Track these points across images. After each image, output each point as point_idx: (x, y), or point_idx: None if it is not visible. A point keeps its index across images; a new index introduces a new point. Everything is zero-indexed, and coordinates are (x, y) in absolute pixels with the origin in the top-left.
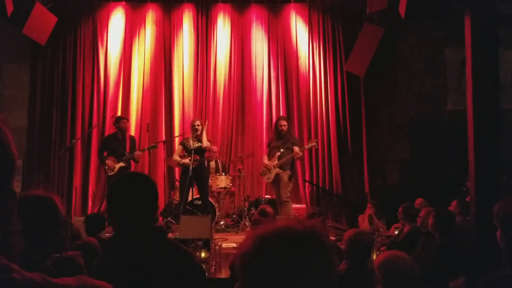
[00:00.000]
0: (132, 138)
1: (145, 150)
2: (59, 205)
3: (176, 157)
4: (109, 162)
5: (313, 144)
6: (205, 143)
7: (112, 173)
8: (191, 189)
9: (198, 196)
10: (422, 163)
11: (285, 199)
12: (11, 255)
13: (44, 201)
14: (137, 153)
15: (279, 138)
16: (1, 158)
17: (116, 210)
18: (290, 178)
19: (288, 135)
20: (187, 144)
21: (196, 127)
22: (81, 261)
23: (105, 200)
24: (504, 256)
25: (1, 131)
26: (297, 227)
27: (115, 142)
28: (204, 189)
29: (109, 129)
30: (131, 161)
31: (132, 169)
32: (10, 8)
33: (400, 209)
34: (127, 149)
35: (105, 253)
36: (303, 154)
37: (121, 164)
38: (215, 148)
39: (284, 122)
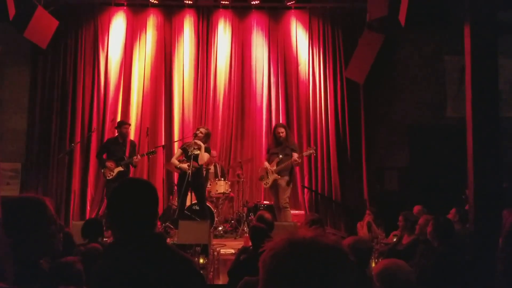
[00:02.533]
0: (132, 143)
1: (144, 155)
2: (48, 204)
3: (174, 160)
4: (109, 164)
5: (311, 151)
6: (201, 160)
7: (110, 177)
8: (189, 194)
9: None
10: (421, 169)
11: (283, 205)
12: None
13: (32, 201)
14: (135, 158)
15: (278, 144)
16: None
17: (117, 216)
18: (288, 184)
19: (286, 141)
20: (188, 149)
21: (197, 132)
22: (80, 267)
23: (103, 204)
24: (500, 263)
25: None
26: (324, 239)
27: (116, 146)
28: (201, 195)
29: (108, 133)
30: (130, 165)
31: (131, 173)
32: (12, 11)
33: (400, 218)
34: (127, 154)
35: (105, 258)
36: (302, 160)
37: (120, 168)
38: (214, 152)
39: (281, 129)
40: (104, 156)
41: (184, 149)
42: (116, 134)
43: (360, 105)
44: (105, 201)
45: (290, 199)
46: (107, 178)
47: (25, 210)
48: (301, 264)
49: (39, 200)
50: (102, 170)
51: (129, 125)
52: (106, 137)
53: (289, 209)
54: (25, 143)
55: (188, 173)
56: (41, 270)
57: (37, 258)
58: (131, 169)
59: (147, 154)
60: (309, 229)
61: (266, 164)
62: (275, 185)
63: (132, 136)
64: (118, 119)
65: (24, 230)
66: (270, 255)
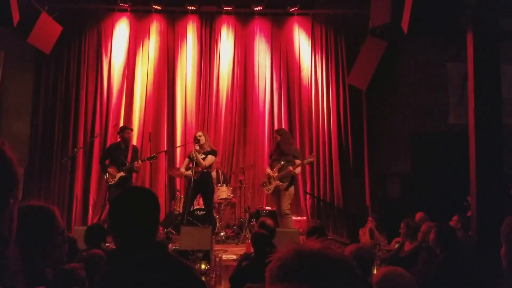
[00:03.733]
0: (134, 148)
1: (145, 160)
2: (57, 214)
3: (182, 169)
4: (110, 170)
5: (311, 159)
6: (202, 164)
7: (112, 182)
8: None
9: (199, 206)
10: (423, 176)
11: (285, 212)
12: (6, 275)
13: (42, 210)
14: (136, 163)
15: (277, 150)
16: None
17: (118, 224)
18: (290, 191)
19: (285, 147)
20: (192, 156)
21: (198, 137)
22: (83, 274)
23: (105, 209)
24: (506, 273)
25: (3, 154)
26: (332, 252)
27: (118, 151)
28: (208, 200)
29: (111, 139)
30: (132, 171)
31: (134, 178)
32: (16, 17)
33: (402, 225)
34: (129, 159)
35: (108, 266)
36: (304, 168)
37: (122, 173)
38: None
39: (275, 134)
40: (107, 161)
41: (190, 157)
42: (119, 139)
43: (363, 111)
44: (107, 206)
45: (292, 205)
46: (109, 183)
47: (34, 218)
48: (308, 276)
49: (49, 209)
50: (105, 176)
51: (131, 130)
52: (108, 142)
53: (290, 215)
54: (28, 148)
55: (191, 179)
56: (45, 278)
57: (41, 268)
58: (134, 174)
59: (148, 159)
60: (316, 241)
61: (268, 170)
62: (277, 192)
63: (134, 141)
64: (121, 124)
65: (31, 239)
66: (277, 266)
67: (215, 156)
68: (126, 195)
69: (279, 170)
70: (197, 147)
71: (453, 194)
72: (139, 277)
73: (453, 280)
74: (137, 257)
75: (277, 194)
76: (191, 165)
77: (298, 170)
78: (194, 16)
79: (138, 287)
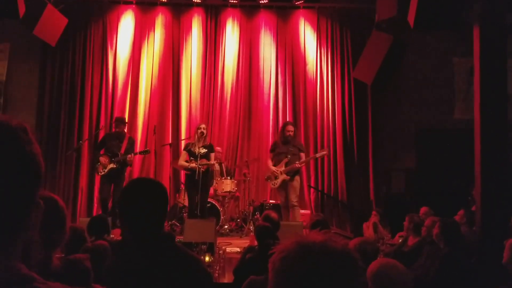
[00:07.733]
0: (130, 139)
1: (136, 154)
2: (62, 206)
3: (182, 162)
4: (102, 159)
5: (324, 152)
6: (212, 160)
7: (102, 173)
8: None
9: None
10: (428, 171)
11: (294, 203)
12: (30, 265)
13: (48, 201)
14: (130, 156)
15: (285, 143)
16: (28, 169)
17: (127, 214)
18: (297, 182)
19: (293, 141)
20: (193, 149)
21: (203, 130)
22: (88, 265)
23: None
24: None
25: (32, 143)
26: (335, 244)
27: (113, 141)
28: (207, 194)
29: None
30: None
31: (138, 171)
32: (22, 9)
33: (406, 219)
34: (122, 151)
35: (115, 257)
36: (308, 162)
37: (112, 165)
38: (219, 148)
39: (291, 128)
40: (102, 151)
41: (189, 150)
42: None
43: (368, 105)
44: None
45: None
46: (99, 174)
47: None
48: (311, 268)
49: (57, 205)
50: (96, 165)
51: (123, 124)
52: None
53: (299, 208)
54: None
55: (198, 172)
56: (51, 268)
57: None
58: (128, 167)
59: (140, 153)
60: (319, 233)
61: (271, 166)
62: (284, 185)
63: (139, 133)
64: (126, 117)
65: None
66: (280, 258)
67: (214, 152)
68: (136, 186)
69: (286, 164)
70: (205, 148)
71: (457, 189)
72: (147, 268)
73: (457, 275)
74: (145, 248)
75: (284, 187)
76: (188, 158)
77: (301, 165)
78: (199, 9)
79: (146, 278)
